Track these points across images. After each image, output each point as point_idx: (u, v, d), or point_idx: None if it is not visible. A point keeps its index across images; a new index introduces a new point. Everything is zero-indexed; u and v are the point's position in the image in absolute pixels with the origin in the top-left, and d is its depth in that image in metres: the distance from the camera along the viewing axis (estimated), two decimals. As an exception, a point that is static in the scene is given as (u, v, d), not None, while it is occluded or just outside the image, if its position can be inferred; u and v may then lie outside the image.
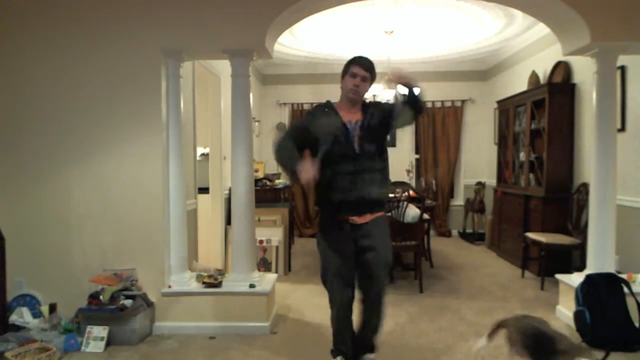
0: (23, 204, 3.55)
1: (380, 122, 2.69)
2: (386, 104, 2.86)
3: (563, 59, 5.05)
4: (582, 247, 4.30)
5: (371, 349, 2.81)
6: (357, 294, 2.71)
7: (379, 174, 2.66)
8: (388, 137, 2.82)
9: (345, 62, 2.72)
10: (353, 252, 2.64)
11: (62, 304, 3.47)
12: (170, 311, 3.50)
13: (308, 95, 7.79)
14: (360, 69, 2.64)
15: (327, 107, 2.73)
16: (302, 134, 2.65)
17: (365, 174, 2.60)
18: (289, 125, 2.84)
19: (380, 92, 5.98)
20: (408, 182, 5.23)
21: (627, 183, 4.10)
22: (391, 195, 4.71)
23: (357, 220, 2.64)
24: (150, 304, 3.46)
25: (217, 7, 3.44)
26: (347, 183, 2.59)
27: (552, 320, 3.70)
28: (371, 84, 2.72)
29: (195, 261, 4.32)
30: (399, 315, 3.78)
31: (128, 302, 3.28)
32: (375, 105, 2.82)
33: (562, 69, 5.15)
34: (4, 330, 3.18)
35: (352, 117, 2.68)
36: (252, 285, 3.47)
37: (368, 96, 2.84)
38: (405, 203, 4.59)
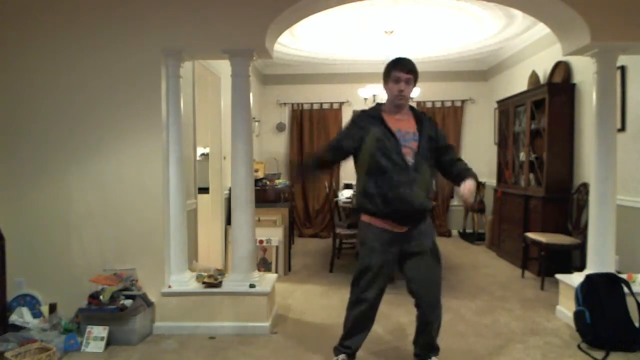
0: (23, 204, 3.55)
1: (430, 138, 2.69)
2: (439, 132, 2.76)
3: (563, 59, 5.05)
4: (582, 247, 4.30)
5: (436, 350, 2.80)
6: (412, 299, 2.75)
7: (425, 184, 2.63)
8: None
9: (386, 67, 2.67)
10: (397, 256, 2.66)
11: (62, 304, 3.47)
12: (170, 311, 3.50)
13: (308, 95, 7.80)
14: (402, 73, 2.60)
15: (372, 113, 2.69)
16: (346, 143, 2.69)
17: (413, 185, 2.57)
18: (340, 132, 2.81)
19: (379, 92, 5.98)
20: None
21: (627, 183, 4.10)
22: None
23: (402, 229, 2.63)
24: (150, 304, 3.46)
25: (217, 7, 3.44)
26: (396, 194, 2.56)
27: (552, 320, 3.71)
28: (415, 83, 2.67)
29: (195, 261, 4.32)
30: (399, 315, 3.78)
31: (128, 302, 3.28)
32: (428, 120, 2.75)
33: (562, 69, 5.15)
34: (4, 330, 3.18)
35: (401, 126, 2.64)
36: (252, 285, 3.47)
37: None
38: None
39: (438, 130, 2.75)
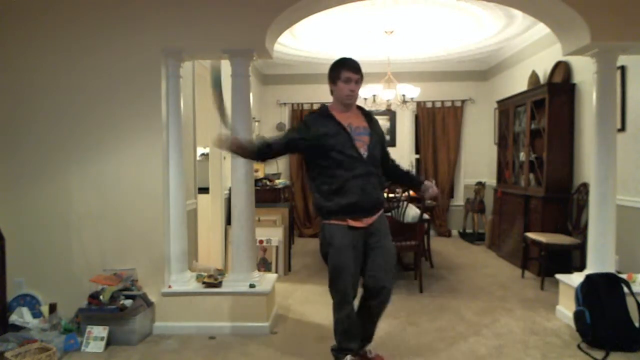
0: (23, 204, 3.55)
1: (379, 135, 2.80)
2: (380, 128, 2.86)
3: (563, 59, 5.05)
4: (582, 247, 4.30)
5: (370, 339, 2.89)
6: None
7: (378, 178, 2.74)
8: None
9: (331, 65, 2.72)
10: (362, 253, 2.69)
11: (62, 304, 3.47)
12: (170, 311, 3.50)
13: (308, 95, 7.80)
14: (353, 73, 2.66)
15: (323, 114, 2.73)
16: (299, 139, 2.71)
17: (370, 177, 2.66)
18: (290, 129, 2.85)
19: (379, 92, 5.98)
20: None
21: (627, 183, 4.10)
22: (391, 195, 4.72)
23: (366, 222, 2.68)
24: (150, 304, 3.46)
25: (217, 7, 3.44)
26: (354, 186, 2.61)
27: (552, 320, 3.71)
28: (361, 84, 2.74)
29: (195, 261, 4.32)
30: (399, 315, 3.78)
31: (128, 302, 3.28)
32: (375, 121, 2.84)
33: (562, 69, 5.15)
34: (4, 330, 3.18)
35: (351, 121, 2.70)
36: (252, 285, 3.47)
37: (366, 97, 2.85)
38: (405, 203, 4.59)
39: (380, 128, 2.84)
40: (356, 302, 2.77)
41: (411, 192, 4.74)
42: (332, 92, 2.75)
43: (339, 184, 2.62)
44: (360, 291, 2.78)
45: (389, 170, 2.89)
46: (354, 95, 2.69)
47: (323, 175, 2.67)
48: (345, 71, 2.66)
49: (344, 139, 2.63)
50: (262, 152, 2.76)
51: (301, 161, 7.76)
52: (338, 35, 5.88)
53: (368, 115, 2.81)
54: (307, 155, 2.76)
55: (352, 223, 2.65)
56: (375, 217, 2.71)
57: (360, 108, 2.83)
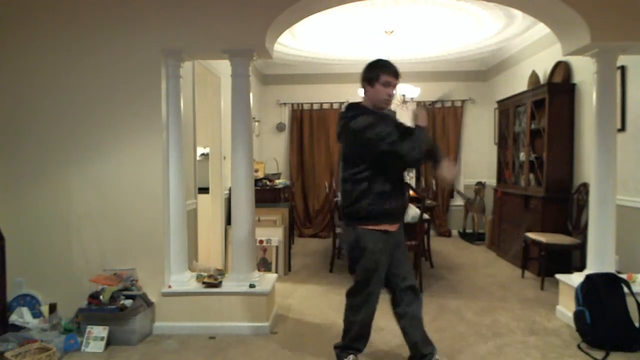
0: (23, 204, 3.55)
1: None
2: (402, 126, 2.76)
3: (563, 59, 5.05)
4: (582, 247, 4.30)
5: (428, 345, 2.80)
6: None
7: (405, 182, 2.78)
8: None
9: (368, 65, 2.63)
10: (390, 255, 2.71)
11: (62, 304, 3.47)
12: (170, 311, 3.50)
13: (308, 95, 7.80)
14: (393, 78, 2.59)
15: (372, 112, 2.63)
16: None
17: (402, 181, 2.71)
18: (388, 131, 2.53)
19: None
20: (408, 182, 5.23)
21: (627, 183, 4.10)
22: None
23: (397, 226, 2.73)
24: (150, 304, 3.46)
25: (217, 7, 3.44)
26: (402, 191, 2.67)
27: (552, 320, 3.71)
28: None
29: (195, 261, 4.32)
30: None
31: (128, 302, 3.28)
32: (396, 120, 2.77)
33: (562, 69, 5.15)
34: (4, 330, 3.18)
35: None
36: (252, 285, 3.47)
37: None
38: (405, 203, 4.58)
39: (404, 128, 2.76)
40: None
41: (411, 192, 4.74)
42: (365, 92, 2.66)
43: (392, 188, 2.59)
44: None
45: None
46: (390, 100, 2.64)
47: (378, 178, 2.58)
48: (385, 75, 2.57)
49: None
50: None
51: (301, 161, 7.81)
52: (338, 35, 5.88)
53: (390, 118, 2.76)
54: (375, 155, 2.58)
55: (388, 227, 2.65)
56: (398, 225, 2.76)
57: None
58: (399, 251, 2.75)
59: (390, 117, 2.69)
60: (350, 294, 2.79)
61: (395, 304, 2.78)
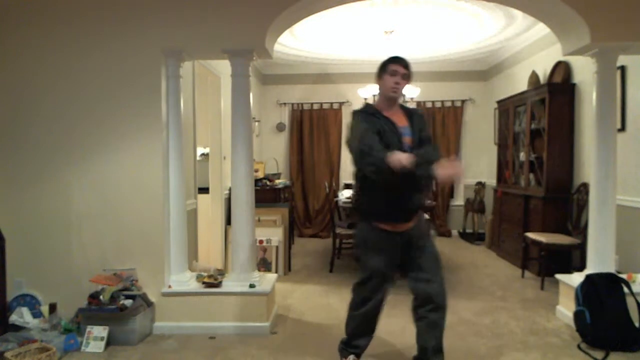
0: (23, 204, 3.55)
1: (420, 132, 2.66)
2: (424, 119, 2.73)
3: (563, 59, 5.05)
4: (582, 247, 4.30)
5: (440, 350, 2.71)
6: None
7: (419, 182, 2.60)
8: None
9: (382, 63, 2.65)
10: (399, 257, 2.66)
11: (62, 304, 3.47)
12: (170, 311, 3.50)
13: (308, 95, 7.81)
14: (400, 67, 2.60)
15: (370, 111, 2.66)
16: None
17: (409, 179, 2.51)
18: (361, 131, 2.55)
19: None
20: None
21: (627, 183, 4.10)
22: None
23: (403, 226, 2.64)
24: (150, 304, 3.46)
25: (217, 7, 3.44)
26: (405, 190, 2.57)
27: (552, 320, 3.71)
28: (409, 81, 2.67)
29: (195, 261, 4.32)
30: (399, 315, 3.78)
31: (128, 302, 3.28)
32: (418, 116, 2.73)
33: (562, 69, 5.15)
34: (4, 330, 3.18)
35: (396, 120, 2.63)
36: (252, 285, 3.47)
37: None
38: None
39: (425, 123, 2.74)
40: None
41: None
42: (379, 89, 2.68)
43: (390, 187, 2.55)
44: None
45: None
46: (398, 88, 2.61)
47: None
48: (392, 64, 2.61)
49: (394, 138, 2.56)
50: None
51: (301, 161, 7.81)
52: (338, 35, 5.88)
53: (409, 113, 2.71)
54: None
55: (390, 227, 2.62)
56: (412, 222, 2.66)
57: (401, 106, 2.74)
58: (416, 252, 2.65)
59: (378, 117, 2.60)
60: (354, 289, 2.80)
61: (415, 306, 2.69)
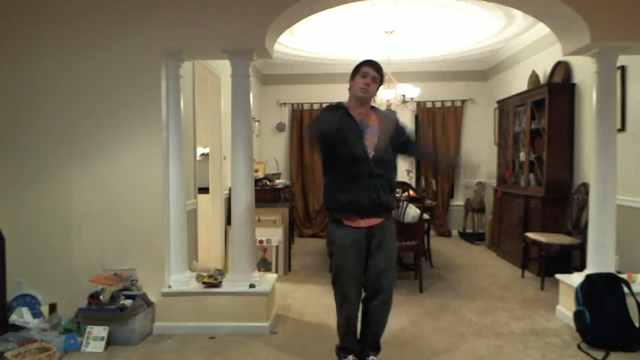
0: (23, 204, 3.55)
1: (394, 135, 2.69)
2: (399, 125, 2.77)
3: (563, 59, 5.05)
4: (582, 247, 4.30)
5: (377, 348, 2.84)
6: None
7: (388, 181, 2.68)
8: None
9: (354, 65, 2.73)
10: (365, 253, 2.68)
11: (62, 304, 3.47)
12: (170, 311, 3.50)
13: (308, 95, 7.80)
14: (371, 69, 2.67)
15: (338, 106, 2.73)
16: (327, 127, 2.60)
17: (375, 178, 2.62)
18: (319, 115, 2.72)
19: (379, 92, 5.97)
20: (408, 182, 5.23)
21: (627, 183, 4.10)
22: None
23: (367, 222, 2.66)
24: (150, 304, 3.46)
25: (217, 7, 3.44)
26: (358, 185, 2.61)
27: (552, 320, 3.71)
28: (379, 86, 2.74)
29: (195, 261, 4.32)
30: (399, 315, 3.78)
31: (128, 302, 3.28)
32: (391, 120, 2.74)
33: (562, 69, 5.15)
34: (4, 330, 3.18)
35: (364, 118, 2.69)
36: (252, 285, 3.47)
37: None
38: (405, 203, 4.59)
39: (403, 127, 2.79)
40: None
41: (411, 192, 4.74)
42: (351, 89, 2.73)
43: (343, 182, 2.62)
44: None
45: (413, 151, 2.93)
46: (367, 89, 2.66)
47: (331, 171, 2.69)
48: (364, 67, 2.68)
49: (355, 135, 2.62)
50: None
51: (301, 161, 7.81)
52: (338, 35, 5.88)
53: (380, 115, 2.75)
54: (323, 149, 2.70)
55: (352, 223, 2.65)
56: (379, 219, 2.67)
57: (374, 109, 2.78)
58: (376, 254, 2.68)
59: (337, 109, 2.68)
60: (333, 288, 2.82)
61: (364, 298, 2.78)
